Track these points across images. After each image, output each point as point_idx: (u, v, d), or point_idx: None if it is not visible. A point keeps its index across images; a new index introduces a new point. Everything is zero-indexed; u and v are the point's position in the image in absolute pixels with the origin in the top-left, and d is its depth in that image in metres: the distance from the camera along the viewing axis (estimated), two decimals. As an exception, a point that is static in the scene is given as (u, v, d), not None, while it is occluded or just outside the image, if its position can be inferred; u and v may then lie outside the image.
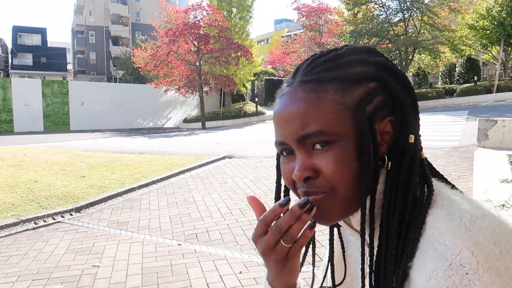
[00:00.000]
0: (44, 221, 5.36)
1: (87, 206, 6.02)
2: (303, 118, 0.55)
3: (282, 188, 0.69)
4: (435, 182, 0.58)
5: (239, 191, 6.50)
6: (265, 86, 33.86)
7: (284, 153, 0.61)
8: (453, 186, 0.60)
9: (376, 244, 0.59)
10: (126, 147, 12.73)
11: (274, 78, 34.04)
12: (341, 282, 0.73)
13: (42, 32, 50.69)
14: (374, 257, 0.58)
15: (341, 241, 0.73)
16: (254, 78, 29.83)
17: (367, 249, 0.62)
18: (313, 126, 0.55)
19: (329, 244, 0.75)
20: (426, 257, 0.50)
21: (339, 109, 0.55)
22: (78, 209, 5.86)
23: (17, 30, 49.14)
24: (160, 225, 5.10)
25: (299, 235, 0.58)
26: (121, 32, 50.68)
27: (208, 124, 24.41)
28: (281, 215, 0.58)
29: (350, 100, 0.55)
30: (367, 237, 0.59)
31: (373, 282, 0.57)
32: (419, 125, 0.59)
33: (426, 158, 0.60)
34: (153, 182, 7.40)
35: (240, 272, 3.57)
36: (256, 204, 0.62)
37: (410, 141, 0.56)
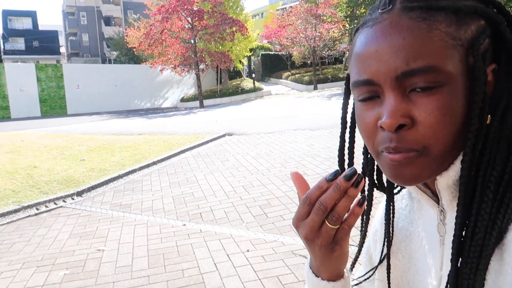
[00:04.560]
0: (46, 207, 5.30)
1: (88, 189, 5.95)
2: (410, 50, 0.45)
3: (346, 145, 0.60)
4: None
5: (241, 169, 6.42)
6: (261, 62, 33.36)
7: (362, 97, 0.51)
8: None
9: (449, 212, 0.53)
10: (124, 129, 12.61)
11: (270, 53, 33.50)
12: (390, 248, 0.63)
13: (32, 15, 49.71)
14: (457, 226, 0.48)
15: (393, 210, 0.64)
16: (251, 54, 29.30)
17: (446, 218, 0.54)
18: (421, 61, 0.45)
19: (386, 210, 0.65)
20: None
21: (453, 44, 0.45)
22: (79, 193, 5.79)
23: (7, 14, 48.13)
24: (164, 205, 5.04)
25: (347, 214, 0.50)
26: (113, 12, 49.76)
27: (206, 102, 24.12)
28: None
29: (464, 36, 0.46)
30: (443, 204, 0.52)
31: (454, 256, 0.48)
32: None
33: None
34: (154, 163, 7.33)
35: (248, 250, 3.52)
36: (300, 181, 0.54)
37: None
